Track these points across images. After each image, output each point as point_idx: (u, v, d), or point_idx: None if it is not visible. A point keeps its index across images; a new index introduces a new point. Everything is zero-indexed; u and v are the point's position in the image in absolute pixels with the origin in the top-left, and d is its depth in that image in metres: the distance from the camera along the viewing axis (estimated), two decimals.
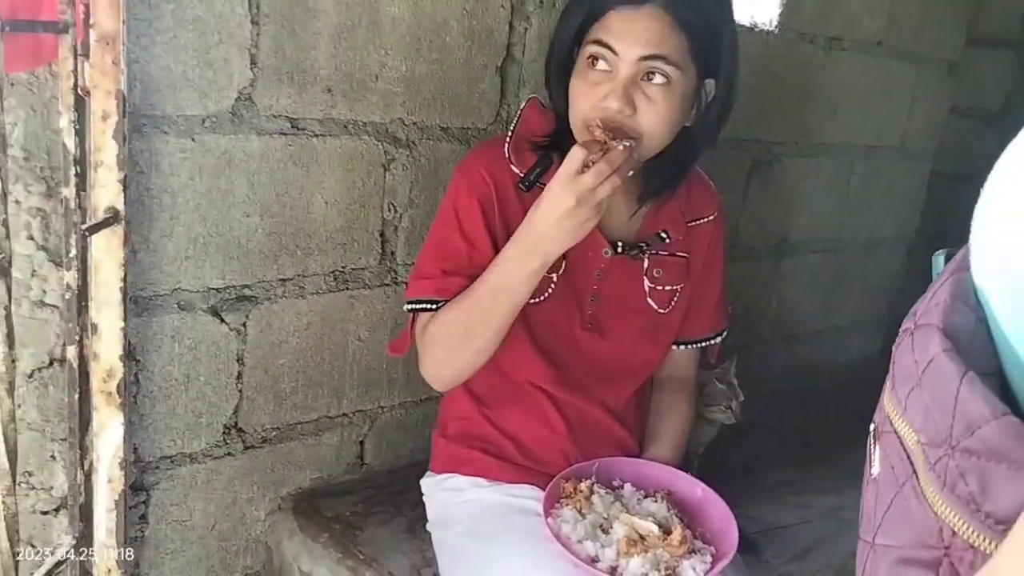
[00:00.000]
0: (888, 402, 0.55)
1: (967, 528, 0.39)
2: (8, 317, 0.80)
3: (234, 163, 1.33)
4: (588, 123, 1.08)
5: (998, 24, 2.62)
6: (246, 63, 1.30)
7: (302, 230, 1.44)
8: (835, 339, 2.68)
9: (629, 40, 1.06)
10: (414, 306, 1.23)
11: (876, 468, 0.57)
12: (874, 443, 0.58)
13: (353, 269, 1.53)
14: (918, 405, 0.46)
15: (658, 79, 1.08)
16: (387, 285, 1.59)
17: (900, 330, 0.60)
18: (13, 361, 0.81)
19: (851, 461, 1.96)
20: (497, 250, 1.17)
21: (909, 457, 0.48)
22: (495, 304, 1.14)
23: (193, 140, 1.28)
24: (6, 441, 0.82)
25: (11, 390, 0.82)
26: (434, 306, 1.21)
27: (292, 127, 1.39)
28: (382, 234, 1.55)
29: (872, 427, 0.61)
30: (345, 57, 1.40)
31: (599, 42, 1.08)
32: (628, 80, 1.07)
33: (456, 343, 1.18)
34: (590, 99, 1.09)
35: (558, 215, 1.04)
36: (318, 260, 1.48)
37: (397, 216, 1.56)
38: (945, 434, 0.41)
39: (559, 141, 1.17)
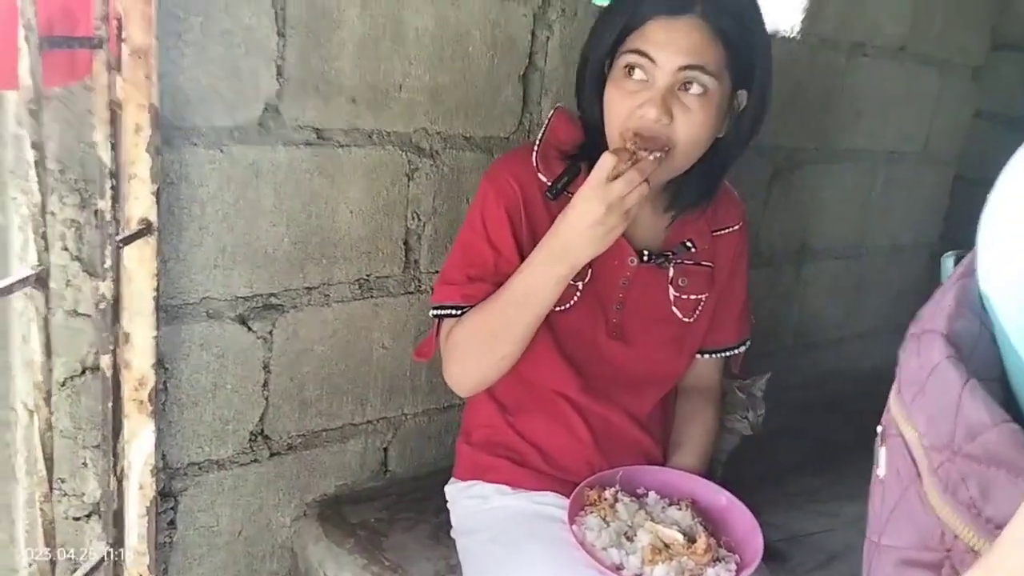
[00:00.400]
0: (895, 405, 0.55)
1: (968, 532, 0.39)
2: (46, 327, 0.82)
3: (261, 173, 1.35)
4: (624, 131, 1.09)
5: (1021, 28, 2.60)
6: (273, 74, 1.32)
7: (327, 239, 1.46)
8: (857, 346, 2.66)
9: (668, 50, 1.06)
10: (439, 312, 1.24)
11: (882, 470, 0.57)
12: (881, 445, 0.59)
13: (377, 277, 1.55)
14: (922, 410, 0.47)
15: (696, 89, 1.08)
16: (411, 293, 1.60)
17: (907, 334, 0.60)
18: (50, 370, 0.83)
19: (873, 470, 1.95)
20: (523, 258, 1.18)
21: (914, 460, 0.48)
22: (521, 310, 1.15)
23: (222, 151, 1.30)
24: (43, 449, 0.84)
25: (48, 399, 0.83)
26: (459, 312, 1.22)
27: (318, 137, 1.40)
28: (406, 242, 1.57)
29: (880, 429, 0.61)
30: (369, 68, 1.41)
31: (637, 51, 1.08)
32: (666, 89, 1.07)
33: (481, 349, 1.19)
34: (626, 107, 1.09)
35: (587, 222, 1.04)
36: (343, 268, 1.49)
37: (420, 225, 1.57)
38: (948, 439, 0.42)
39: (588, 150, 1.17)
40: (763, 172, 2.15)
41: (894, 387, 0.58)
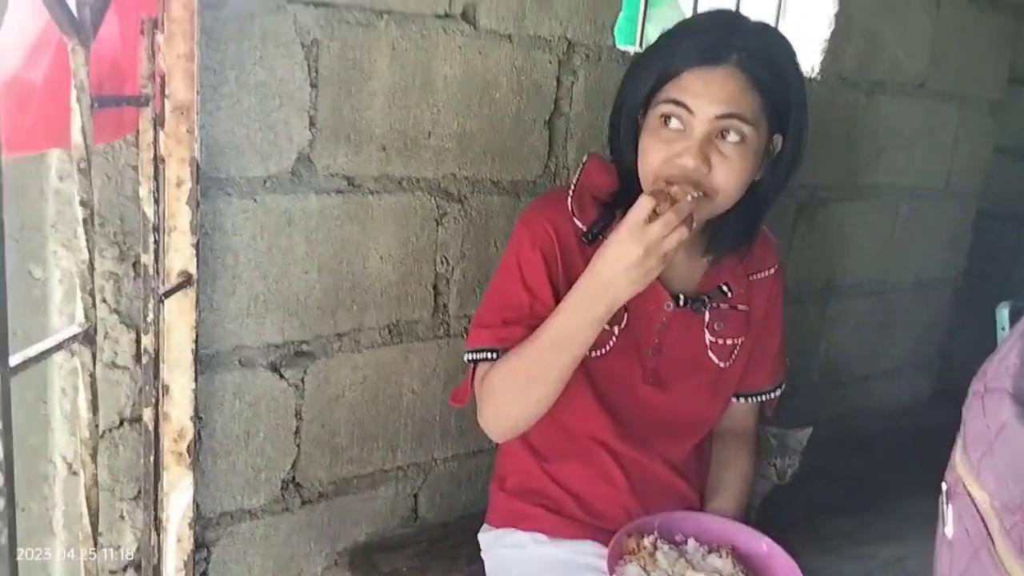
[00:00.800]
0: (960, 464, 0.54)
1: None
2: (93, 384, 0.82)
3: (293, 222, 1.36)
4: (659, 179, 1.09)
5: None
6: (305, 125, 1.33)
7: (358, 285, 1.46)
8: (884, 383, 2.64)
9: (705, 99, 1.07)
10: (474, 356, 1.23)
11: (950, 529, 0.56)
12: (947, 503, 0.57)
13: (407, 322, 1.55)
14: (991, 470, 0.46)
15: (733, 136, 1.08)
16: (440, 337, 1.60)
17: (970, 391, 0.59)
18: (97, 427, 0.82)
19: (909, 510, 1.92)
20: (558, 302, 1.17)
21: (984, 521, 0.47)
22: (557, 353, 1.14)
23: (255, 201, 1.31)
24: (89, 506, 0.84)
25: (95, 455, 0.83)
26: (494, 355, 1.21)
27: (348, 185, 1.41)
28: (435, 287, 1.57)
29: (944, 487, 0.60)
30: (399, 116, 1.43)
31: (674, 101, 1.08)
32: (703, 138, 1.08)
33: (517, 393, 1.18)
34: (663, 156, 1.10)
35: (624, 264, 1.04)
36: (373, 314, 1.50)
37: (449, 269, 1.57)
38: (1020, 500, 0.41)
39: (622, 197, 1.18)
40: (787, 210, 2.15)
41: (958, 445, 0.57)
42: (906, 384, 2.73)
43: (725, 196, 1.11)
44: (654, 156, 1.11)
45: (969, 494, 0.49)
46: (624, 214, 1.07)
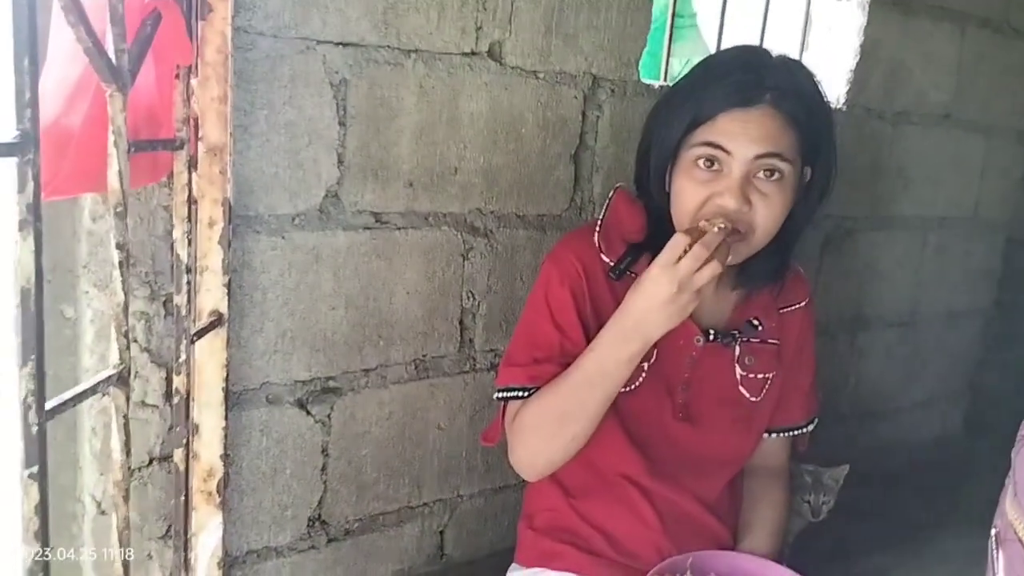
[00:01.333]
0: (1011, 509, 0.53)
1: None
2: (126, 425, 0.82)
3: (321, 259, 1.37)
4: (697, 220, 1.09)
5: None
6: (333, 162, 1.34)
7: (385, 321, 1.46)
8: (915, 415, 2.60)
9: (743, 140, 1.06)
10: (505, 394, 1.22)
11: None
12: (996, 549, 0.56)
13: (433, 357, 1.54)
14: None
15: (772, 175, 1.08)
16: (466, 372, 1.59)
17: (1019, 436, 0.58)
18: (129, 468, 0.82)
19: (943, 547, 1.89)
20: (588, 338, 1.17)
21: None
22: (592, 389, 1.13)
23: (283, 238, 1.32)
24: (122, 547, 0.83)
25: (127, 497, 0.83)
26: (525, 394, 1.20)
27: (376, 221, 1.42)
28: (461, 322, 1.57)
29: (993, 532, 0.59)
30: (426, 152, 1.44)
31: (711, 144, 1.08)
32: (743, 179, 1.07)
33: (551, 431, 1.17)
34: (701, 197, 1.09)
35: (658, 301, 1.03)
36: (400, 350, 1.49)
37: (476, 304, 1.57)
38: None
39: (652, 238, 1.17)
40: (815, 241, 2.13)
41: (1008, 491, 0.55)
42: (937, 416, 2.69)
43: (764, 233, 1.11)
44: (692, 198, 1.10)
45: (1020, 540, 0.48)
46: (654, 255, 1.06)
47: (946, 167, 2.38)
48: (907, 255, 2.38)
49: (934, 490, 2.26)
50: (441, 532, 1.64)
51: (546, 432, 1.17)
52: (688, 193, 1.10)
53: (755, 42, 2.01)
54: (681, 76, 1.21)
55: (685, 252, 1.03)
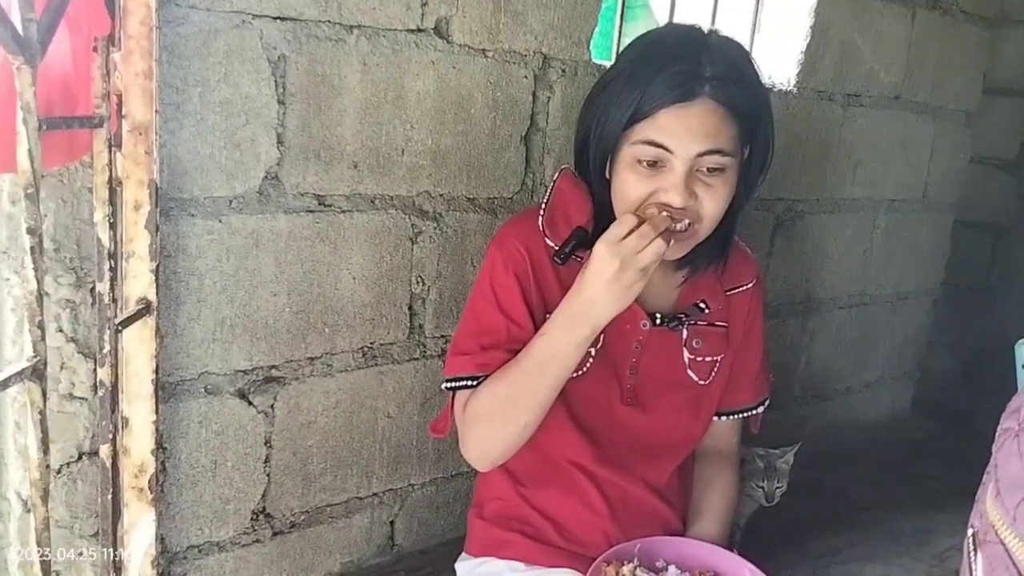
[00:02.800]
0: (992, 509, 0.51)
1: None
2: (43, 421, 0.77)
3: (261, 243, 1.32)
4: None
5: (1012, 73, 2.62)
6: (273, 142, 1.29)
7: (330, 307, 1.42)
8: (865, 395, 2.63)
9: (684, 138, 1.03)
10: (454, 384, 1.20)
11: None
12: (974, 550, 0.54)
13: (381, 344, 1.51)
14: None
15: (715, 167, 1.06)
16: (416, 359, 1.56)
17: (999, 429, 0.56)
18: (48, 466, 0.78)
19: (894, 527, 1.91)
20: (535, 323, 1.15)
21: (1019, 570, 0.44)
22: (543, 375, 1.11)
23: (220, 222, 1.27)
24: (40, 549, 0.78)
25: (45, 496, 0.78)
26: (474, 383, 1.17)
27: (319, 204, 1.37)
28: (410, 307, 1.53)
29: (970, 531, 0.57)
30: (371, 133, 1.39)
31: (653, 143, 1.05)
32: (686, 175, 1.05)
33: (502, 419, 1.14)
34: (644, 192, 1.07)
35: (605, 279, 1.02)
36: (346, 337, 1.45)
37: (425, 289, 1.53)
38: None
39: (597, 222, 1.15)
40: (765, 224, 2.13)
41: (989, 489, 0.53)
42: (886, 397, 2.72)
43: (710, 222, 1.10)
44: (635, 192, 1.07)
45: (1003, 542, 0.46)
46: (597, 235, 1.06)
47: (896, 149, 2.39)
48: (857, 237, 2.40)
49: (884, 470, 2.29)
50: (391, 522, 1.61)
51: (497, 421, 1.14)
52: (631, 187, 1.08)
53: (707, 23, 2.00)
54: (617, 59, 1.17)
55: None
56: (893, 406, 2.74)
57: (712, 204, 1.08)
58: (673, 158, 1.04)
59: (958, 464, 2.39)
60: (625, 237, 1.01)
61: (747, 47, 1.16)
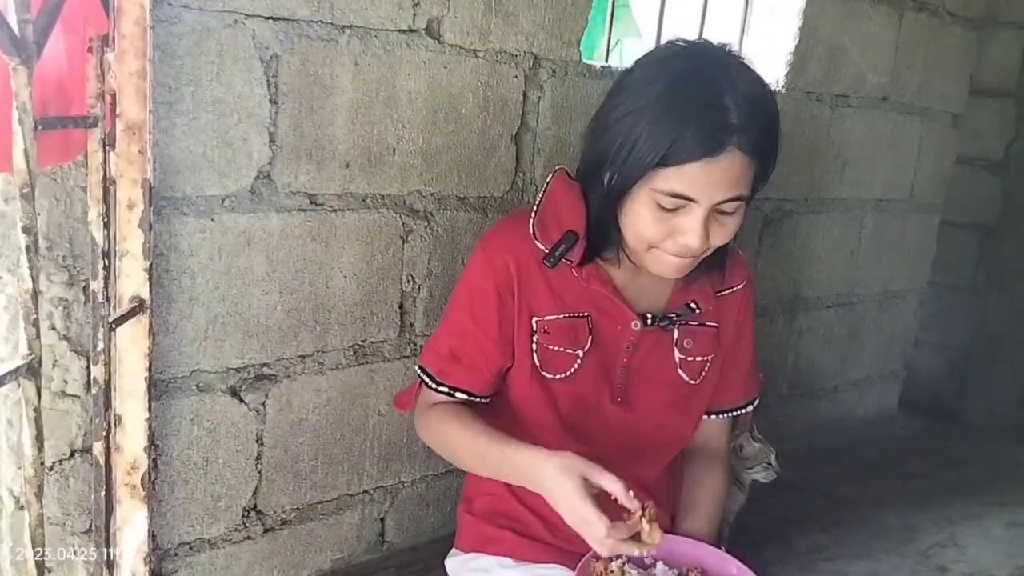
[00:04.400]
0: None
1: None
2: (38, 418, 0.78)
3: (253, 241, 1.32)
4: (655, 247, 1.10)
5: (998, 75, 2.65)
6: (265, 142, 1.30)
7: (321, 305, 1.43)
8: (853, 394, 2.65)
9: (709, 189, 1.03)
10: (420, 375, 1.27)
11: None
12: None
13: (372, 342, 1.51)
14: None
15: (732, 209, 1.08)
16: (407, 357, 1.56)
17: None
18: (42, 463, 0.78)
19: (881, 524, 1.93)
20: (504, 333, 1.20)
21: None
22: (487, 469, 1.20)
23: (212, 220, 1.27)
24: (35, 547, 0.79)
25: (40, 493, 0.79)
26: (434, 385, 1.24)
27: (311, 203, 1.38)
28: (401, 306, 1.54)
29: None
30: (363, 132, 1.40)
31: (677, 195, 1.04)
32: (706, 218, 1.06)
33: (448, 456, 1.28)
34: (660, 232, 1.08)
35: (564, 506, 1.07)
36: (337, 335, 1.46)
37: (416, 287, 1.54)
38: None
39: (589, 230, 1.16)
40: (753, 224, 2.15)
41: None
42: (873, 395, 2.75)
43: (717, 246, 1.11)
44: (651, 233, 1.08)
45: None
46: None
47: (883, 150, 2.42)
48: (844, 237, 2.42)
49: (870, 467, 2.32)
50: (382, 519, 1.62)
51: (444, 455, 1.28)
52: (648, 229, 1.08)
53: (696, 24, 2.01)
54: (635, 80, 1.10)
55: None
56: (880, 404, 2.77)
57: (724, 237, 1.10)
58: (695, 205, 1.05)
59: (944, 462, 2.43)
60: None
61: (738, 49, 1.15)
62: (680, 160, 1.02)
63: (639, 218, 1.09)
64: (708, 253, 1.13)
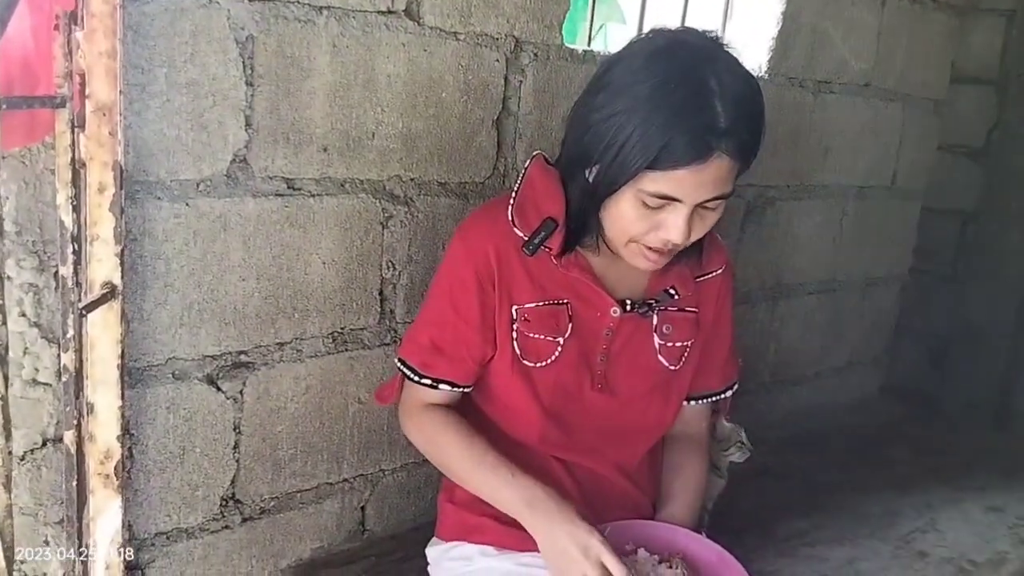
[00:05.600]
0: None
1: None
2: (5, 407, 0.76)
3: (229, 227, 1.30)
4: (636, 241, 1.10)
5: (979, 61, 2.66)
6: (241, 125, 1.28)
7: (299, 292, 1.41)
8: (834, 380, 2.66)
9: (696, 191, 1.03)
10: (401, 368, 1.26)
11: None
12: None
13: (352, 330, 1.50)
14: None
15: (715, 205, 1.08)
16: (387, 344, 1.55)
17: None
18: (10, 452, 0.76)
19: (861, 509, 1.94)
20: (485, 321, 1.19)
21: None
22: (470, 481, 1.22)
23: (187, 205, 1.25)
24: (2, 537, 0.77)
25: (7, 483, 0.77)
26: (416, 377, 1.24)
27: (288, 188, 1.36)
28: (381, 293, 1.52)
29: None
30: (341, 116, 1.38)
31: (663, 196, 1.04)
32: (690, 215, 1.05)
33: (435, 461, 1.28)
34: (643, 227, 1.08)
35: (555, 558, 1.11)
36: (316, 322, 1.44)
37: (396, 274, 1.53)
38: None
39: (567, 213, 1.16)
40: (735, 210, 2.14)
41: None
42: (855, 381, 2.76)
43: (696, 238, 1.12)
44: (635, 228, 1.08)
45: None
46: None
47: (865, 136, 2.42)
48: (827, 223, 2.42)
49: (851, 453, 2.33)
50: (362, 508, 1.61)
51: (431, 459, 1.29)
52: (632, 224, 1.08)
53: (680, 9, 1.99)
54: (619, 72, 1.07)
55: None
56: (861, 391, 2.79)
57: (704, 230, 1.11)
58: (680, 204, 1.05)
59: (924, 448, 2.44)
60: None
61: (723, 37, 1.13)
62: (668, 165, 1.01)
63: (623, 216, 1.08)
64: (686, 244, 1.12)
